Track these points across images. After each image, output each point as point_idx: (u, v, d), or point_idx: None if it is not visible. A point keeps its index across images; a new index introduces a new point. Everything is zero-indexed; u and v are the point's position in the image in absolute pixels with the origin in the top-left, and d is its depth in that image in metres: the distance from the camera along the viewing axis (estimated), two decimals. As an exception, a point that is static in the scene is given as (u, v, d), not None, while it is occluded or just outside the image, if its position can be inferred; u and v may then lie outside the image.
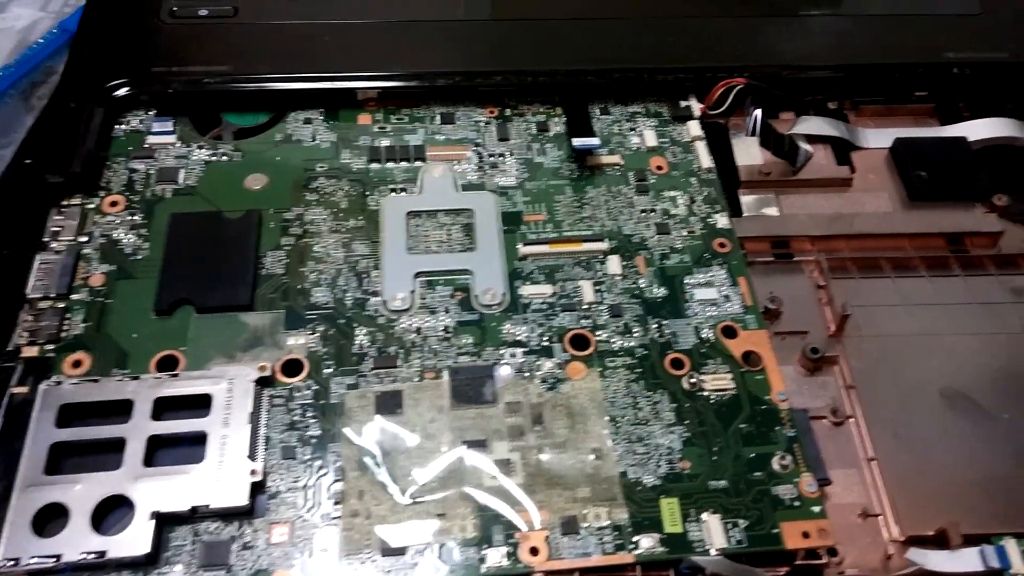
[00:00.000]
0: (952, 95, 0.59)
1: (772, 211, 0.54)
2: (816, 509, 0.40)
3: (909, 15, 0.61)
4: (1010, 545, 0.40)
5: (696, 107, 0.56)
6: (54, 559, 0.36)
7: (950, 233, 0.53)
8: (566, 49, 0.58)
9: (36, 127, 0.60)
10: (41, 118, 0.60)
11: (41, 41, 0.67)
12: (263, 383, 0.42)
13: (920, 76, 0.58)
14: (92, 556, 0.36)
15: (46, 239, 0.47)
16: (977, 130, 0.57)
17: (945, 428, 0.45)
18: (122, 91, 0.53)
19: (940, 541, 0.41)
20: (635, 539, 0.39)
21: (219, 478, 0.39)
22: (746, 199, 0.54)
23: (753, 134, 0.53)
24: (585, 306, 0.47)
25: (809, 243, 0.52)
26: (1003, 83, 0.59)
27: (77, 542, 0.36)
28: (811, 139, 0.56)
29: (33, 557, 0.36)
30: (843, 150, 0.56)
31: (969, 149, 0.56)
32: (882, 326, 0.49)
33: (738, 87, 0.55)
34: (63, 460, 0.39)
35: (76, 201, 0.49)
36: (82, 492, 0.38)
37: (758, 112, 0.53)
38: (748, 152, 0.56)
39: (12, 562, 0.36)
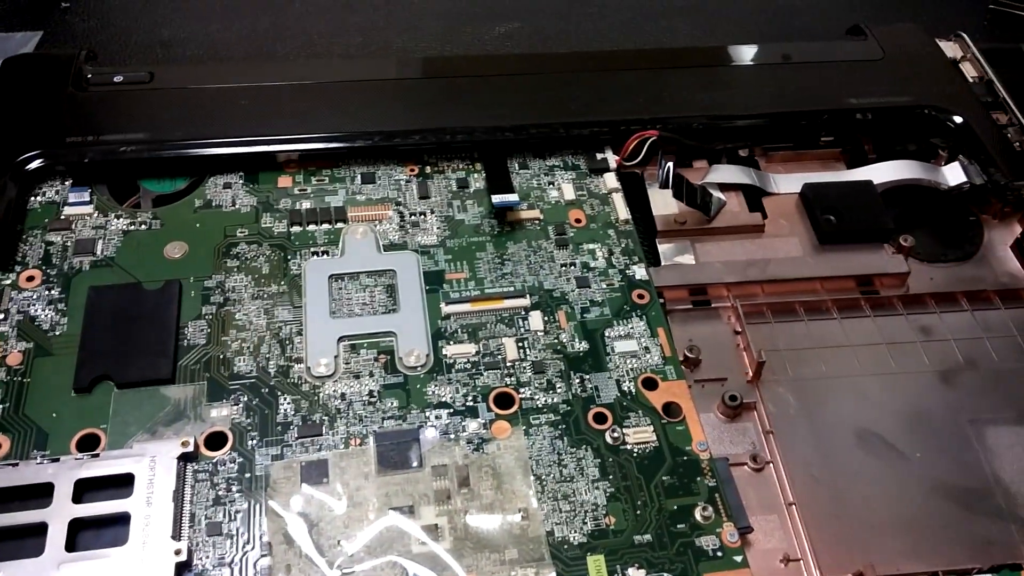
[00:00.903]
0: (857, 139, 0.62)
1: (688, 259, 0.55)
2: (738, 559, 0.41)
3: (815, 63, 0.64)
4: (924, 584, 0.42)
5: (612, 159, 0.58)
6: (-30, 658, 0.35)
7: (860, 275, 0.55)
8: (483, 106, 0.59)
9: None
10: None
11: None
12: (186, 458, 0.42)
13: (825, 122, 0.60)
14: (10, 652, 0.36)
15: (-41, 318, 0.46)
16: (883, 173, 0.59)
17: (860, 469, 0.47)
18: (35, 163, 0.52)
19: (858, 582, 0.42)
20: (563, 598, 0.40)
21: (143, 559, 0.38)
22: (663, 247, 0.56)
23: (665, 186, 0.55)
24: (509, 363, 0.48)
25: (725, 289, 0.54)
26: (906, 126, 0.61)
27: (-5, 637, 0.36)
28: (723, 187, 0.58)
29: (-53, 657, 0.35)
30: (755, 196, 0.58)
31: (875, 192, 0.58)
32: (797, 370, 0.50)
33: (651, 139, 0.57)
34: (-20, 549, 0.39)
35: (-10, 278, 0.48)
36: (-1, 584, 0.37)
37: (670, 164, 0.54)
38: (664, 202, 0.57)
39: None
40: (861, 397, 0.49)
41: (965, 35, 0.67)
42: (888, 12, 0.79)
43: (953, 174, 0.59)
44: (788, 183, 0.59)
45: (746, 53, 0.64)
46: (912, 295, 0.54)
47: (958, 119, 0.60)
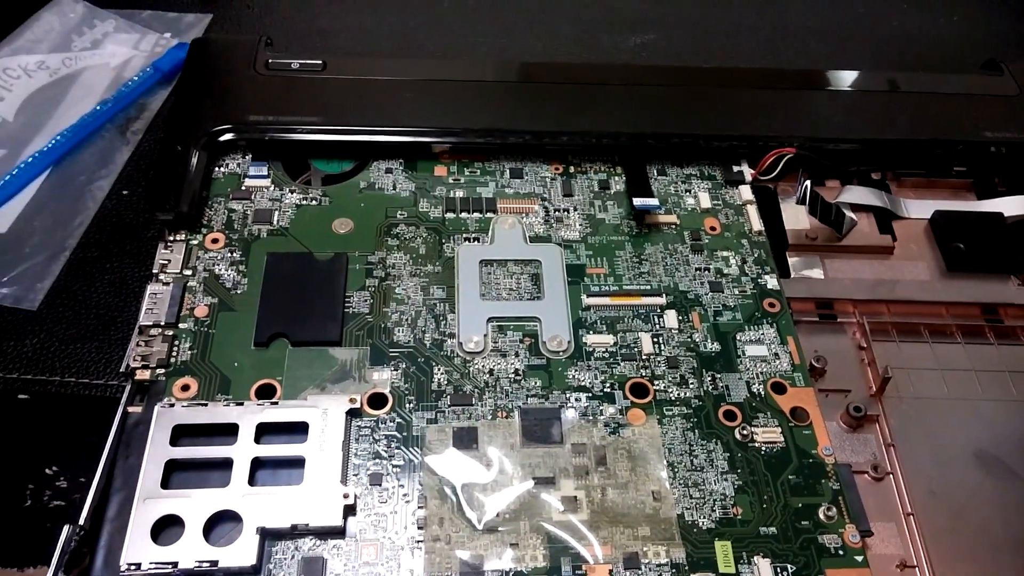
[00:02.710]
0: (989, 172, 0.63)
1: (817, 273, 0.58)
2: (859, 559, 0.44)
3: (952, 94, 0.65)
4: (1035, 600, 0.44)
5: (748, 172, 0.60)
6: (171, 565, 0.40)
7: (986, 303, 0.56)
8: (626, 112, 0.62)
9: (132, 160, 0.66)
10: (137, 152, 0.66)
11: (136, 79, 0.71)
12: (352, 414, 0.46)
13: (959, 153, 0.62)
14: (206, 565, 0.40)
15: (155, 271, 0.52)
16: (1012, 206, 0.61)
17: (978, 488, 0.48)
18: (225, 136, 0.57)
19: (971, 593, 0.44)
20: (691, 576, 0.43)
21: (316, 499, 0.43)
22: (793, 260, 0.58)
23: (802, 202, 0.57)
24: (644, 356, 0.51)
25: (852, 306, 0.56)
26: (1039, 163, 0.63)
27: (192, 551, 0.40)
28: (855, 208, 0.60)
29: (152, 563, 0.40)
30: (885, 219, 0.60)
31: (1004, 224, 0.59)
32: (920, 389, 0.52)
33: (788, 156, 0.59)
34: (174, 475, 0.44)
35: (181, 237, 0.53)
36: (195, 505, 0.42)
37: (808, 183, 0.57)
38: (796, 217, 0.60)
39: (134, 566, 0.40)
40: (981, 420, 0.51)
41: (1106, 77, 0.67)
42: (1020, 49, 0.80)
43: (1085, 212, 0.60)
44: (918, 209, 0.61)
45: (883, 79, 0.66)
46: (1037, 327, 0.56)
47: (1094, 159, 0.61)
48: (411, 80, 0.62)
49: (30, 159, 0.64)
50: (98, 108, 0.69)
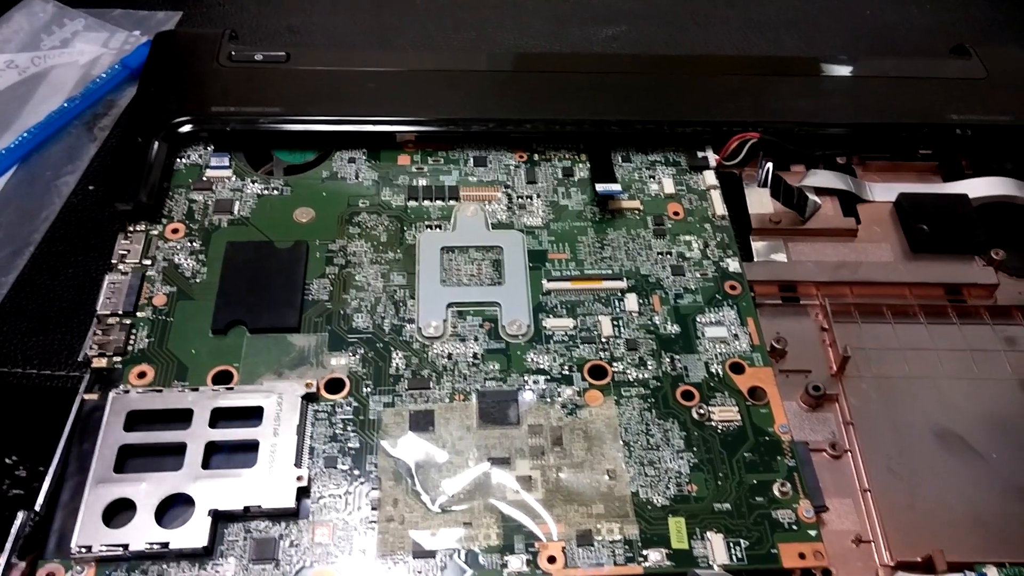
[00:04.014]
0: (955, 154, 0.63)
1: (781, 257, 0.58)
2: (812, 533, 0.44)
3: (919, 78, 0.66)
4: (991, 572, 0.44)
5: (712, 158, 0.61)
6: (122, 547, 0.40)
7: (948, 284, 0.56)
8: (591, 100, 0.62)
9: (99, 156, 0.66)
10: (104, 148, 0.66)
11: (104, 76, 0.72)
12: (309, 399, 0.47)
13: (925, 136, 0.62)
14: (156, 546, 0.40)
15: (114, 261, 0.52)
16: (978, 188, 0.61)
17: (936, 464, 0.48)
18: (185, 128, 0.57)
19: (927, 567, 0.44)
20: (644, 553, 0.43)
21: (269, 482, 0.43)
22: (757, 245, 0.58)
23: (764, 185, 0.57)
24: (603, 339, 0.51)
25: (815, 288, 0.56)
26: (1004, 145, 0.63)
27: (142, 533, 0.41)
28: (819, 191, 0.60)
29: (103, 545, 0.40)
30: (850, 202, 0.60)
31: (969, 205, 0.60)
32: (881, 368, 0.52)
33: (752, 141, 0.59)
34: (129, 460, 0.44)
35: (141, 227, 0.54)
36: (147, 489, 0.42)
37: (769, 164, 0.57)
38: (760, 201, 0.60)
39: (85, 549, 0.40)
40: (942, 398, 0.51)
41: (1072, 59, 0.67)
42: (994, 37, 0.80)
43: (1050, 193, 0.60)
44: (883, 192, 0.61)
45: (849, 65, 0.66)
46: (1000, 306, 0.56)
47: (1058, 139, 0.61)
48: (375, 71, 0.63)
49: (-3, 156, 0.65)
50: (65, 105, 0.69)
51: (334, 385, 0.48)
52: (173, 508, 0.42)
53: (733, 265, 0.55)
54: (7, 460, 0.50)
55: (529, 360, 0.50)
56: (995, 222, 0.60)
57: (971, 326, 0.55)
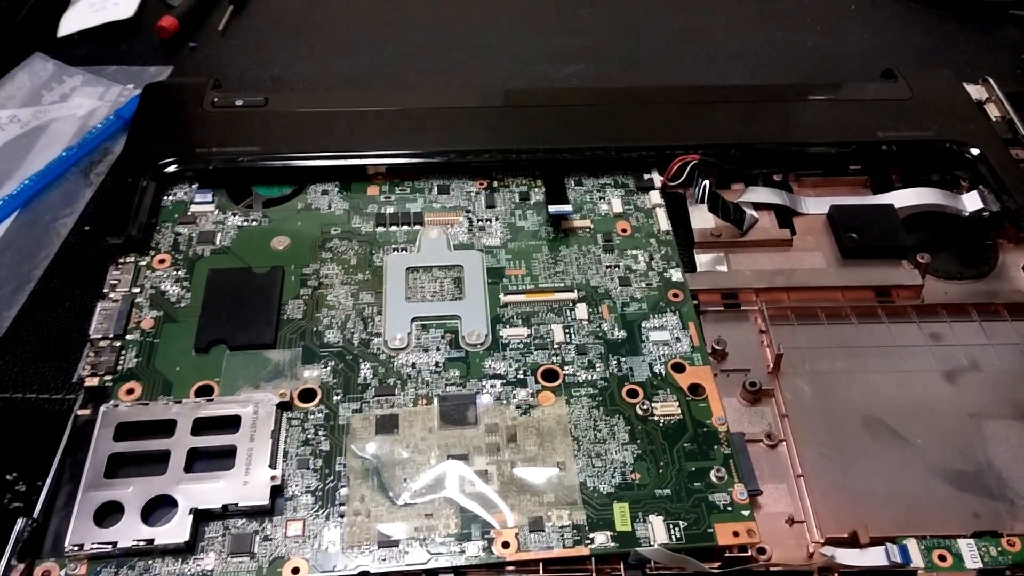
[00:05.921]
0: (882, 169, 0.68)
1: (722, 267, 0.62)
2: (745, 513, 0.48)
3: (850, 100, 0.71)
4: (911, 544, 0.48)
5: (658, 179, 0.65)
6: (111, 545, 0.44)
7: (878, 287, 0.61)
8: (545, 130, 0.67)
9: (95, 199, 0.71)
10: (99, 192, 0.71)
11: (99, 126, 0.77)
12: (283, 407, 0.51)
13: (853, 152, 0.67)
14: (142, 543, 0.44)
15: (105, 290, 0.56)
16: (906, 198, 0.66)
17: (865, 450, 0.52)
18: (171, 168, 0.63)
19: (852, 541, 0.48)
20: (591, 536, 0.47)
21: (245, 482, 0.47)
22: (700, 257, 0.63)
23: (702, 202, 0.62)
24: (556, 345, 0.55)
25: (754, 294, 0.60)
26: (929, 158, 0.68)
27: (129, 532, 0.45)
28: (757, 206, 0.64)
29: (94, 543, 0.44)
30: (786, 216, 0.65)
31: (895, 213, 0.64)
32: (814, 365, 0.57)
33: (692, 162, 0.64)
34: (118, 468, 0.48)
35: (131, 259, 0.58)
36: (134, 492, 0.46)
37: (706, 182, 0.62)
38: (703, 218, 0.64)
39: (77, 547, 0.44)
40: (871, 390, 0.55)
41: (992, 80, 0.73)
42: (928, 62, 0.85)
43: (972, 201, 0.65)
44: (817, 205, 0.66)
45: (784, 91, 0.72)
46: (926, 305, 0.60)
47: (975, 151, 0.65)
48: (346, 111, 0.68)
49: (0, 203, 0.69)
50: (64, 154, 0.74)
51: (307, 395, 0.52)
52: (158, 509, 0.46)
53: (676, 275, 0.59)
54: (8, 476, 0.54)
55: (487, 366, 0.54)
56: (923, 229, 0.64)
57: (899, 324, 0.59)
